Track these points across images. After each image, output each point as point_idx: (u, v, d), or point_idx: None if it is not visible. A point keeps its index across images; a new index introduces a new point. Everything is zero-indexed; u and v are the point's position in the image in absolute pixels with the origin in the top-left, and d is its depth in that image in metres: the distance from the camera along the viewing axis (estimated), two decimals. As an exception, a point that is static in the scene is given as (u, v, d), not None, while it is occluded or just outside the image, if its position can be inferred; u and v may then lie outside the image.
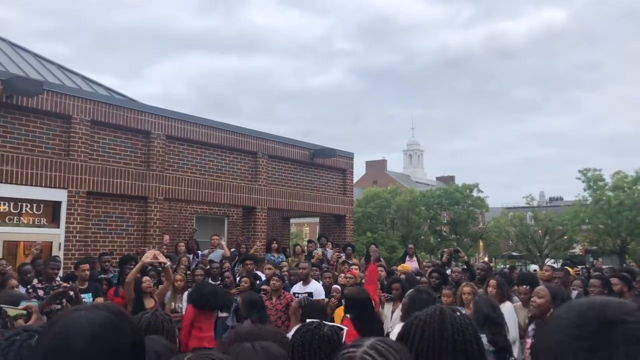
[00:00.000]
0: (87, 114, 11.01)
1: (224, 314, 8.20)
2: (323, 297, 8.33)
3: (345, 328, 2.29)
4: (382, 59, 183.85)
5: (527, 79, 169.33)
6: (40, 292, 7.32)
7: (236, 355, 2.00)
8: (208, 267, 9.67)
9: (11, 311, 2.87)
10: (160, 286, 7.24)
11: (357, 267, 10.24)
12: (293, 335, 2.12)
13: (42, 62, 14.07)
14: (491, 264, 33.41)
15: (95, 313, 1.26)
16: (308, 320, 2.28)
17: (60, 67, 14.49)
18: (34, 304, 3.02)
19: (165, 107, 12.76)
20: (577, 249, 41.70)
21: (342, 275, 9.25)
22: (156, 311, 2.83)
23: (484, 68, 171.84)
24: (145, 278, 7.14)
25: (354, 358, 1.36)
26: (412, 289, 4.98)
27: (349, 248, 12.64)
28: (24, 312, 2.90)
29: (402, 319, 4.46)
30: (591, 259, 32.90)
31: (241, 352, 1.98)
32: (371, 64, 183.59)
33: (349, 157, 17.11)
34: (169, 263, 6.76)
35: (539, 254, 41.67)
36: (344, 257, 10.87)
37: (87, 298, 7.64)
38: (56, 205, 10.56)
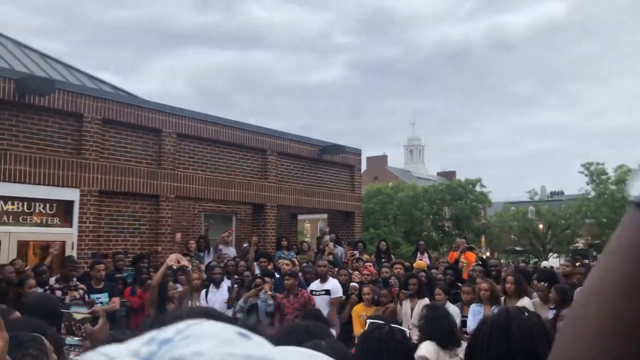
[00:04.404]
0: (98, 112, 10.96)
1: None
2: (340, 294, 8.32)
3: (408, 330, 2.26)
4: (382, 52, 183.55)
5: (527, 72, 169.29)
6: (58, 293, 7.32)
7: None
8: (224, 263, 9.62)
9: (77, 315, 2.85)
10: (181, 289, 7.25)
11: (371, 264, 10.24)
12: (365, 340, 2.08)
13: (48, 61, 13.98)
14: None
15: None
16: (371, 321, 2.22)
17: (67, 66, 14.40)
18: (100, 307, 3.00)
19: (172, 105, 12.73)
20: (580, 243, 41.71)
21: (357, 272, 9.24)
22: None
23: (485, 61, 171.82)
24: (171, 285, 7.15)
25: None
26: (426, 309, 4.70)
27: (360, 244, 12.58)
28: (90, 315, 2.89)
29: (420, 337, 4.23)
30: (594, 253, 32.89)
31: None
32: (371, 58, 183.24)
33: (357, 153, 17.08)
34: (190, 266, 6.79)
35: (542, 249, 41.69)
36: (357, 254, 10.83)
37: (103, 298, 7.64)
38: (68, 204, 10.51)
